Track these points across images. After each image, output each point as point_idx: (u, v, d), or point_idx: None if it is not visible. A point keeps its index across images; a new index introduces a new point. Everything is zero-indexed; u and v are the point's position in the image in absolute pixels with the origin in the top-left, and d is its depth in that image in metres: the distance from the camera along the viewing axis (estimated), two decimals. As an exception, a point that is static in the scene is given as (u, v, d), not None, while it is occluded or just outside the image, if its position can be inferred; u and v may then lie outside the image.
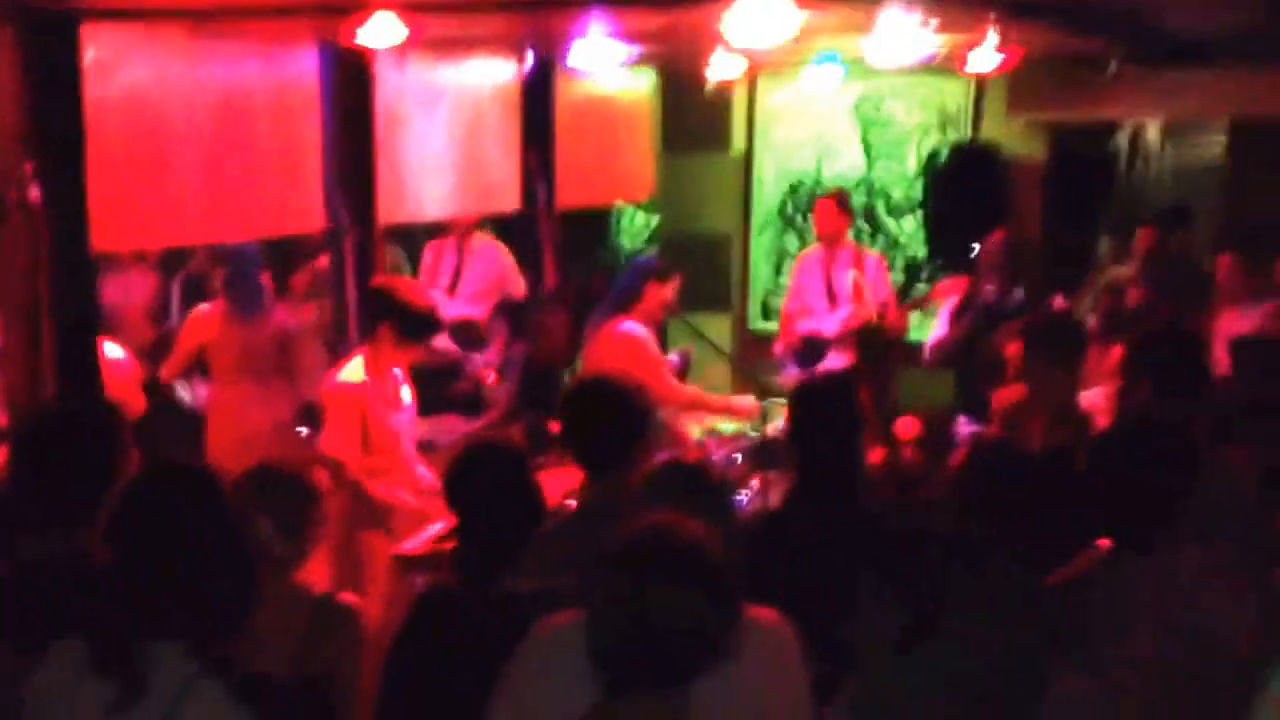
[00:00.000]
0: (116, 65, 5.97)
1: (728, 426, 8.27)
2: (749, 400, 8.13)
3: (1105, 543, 4.09)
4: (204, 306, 8.31)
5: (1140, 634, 3.80)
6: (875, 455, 5.96)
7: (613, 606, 2.66)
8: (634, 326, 7.68)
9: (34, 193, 5.58)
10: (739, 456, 7.48)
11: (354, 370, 6.60)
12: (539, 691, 3.32)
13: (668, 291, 7.88)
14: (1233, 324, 8.22)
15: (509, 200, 9.26)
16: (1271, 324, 7.30)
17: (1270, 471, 5.13)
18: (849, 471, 4.94)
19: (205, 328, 8.19)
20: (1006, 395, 6.11)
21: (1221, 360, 6.88)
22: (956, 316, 8.54)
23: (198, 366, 8.34)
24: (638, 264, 8.35)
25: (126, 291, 9.29)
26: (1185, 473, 4.01)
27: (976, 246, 9.94)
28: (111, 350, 6.73)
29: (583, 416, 4.97)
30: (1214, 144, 13.40)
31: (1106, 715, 3.42)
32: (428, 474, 6.72)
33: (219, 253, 8.36)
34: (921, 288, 10.93)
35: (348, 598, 4.62)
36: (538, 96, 9.36)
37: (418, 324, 6.66)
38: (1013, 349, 5.96)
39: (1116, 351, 5.64)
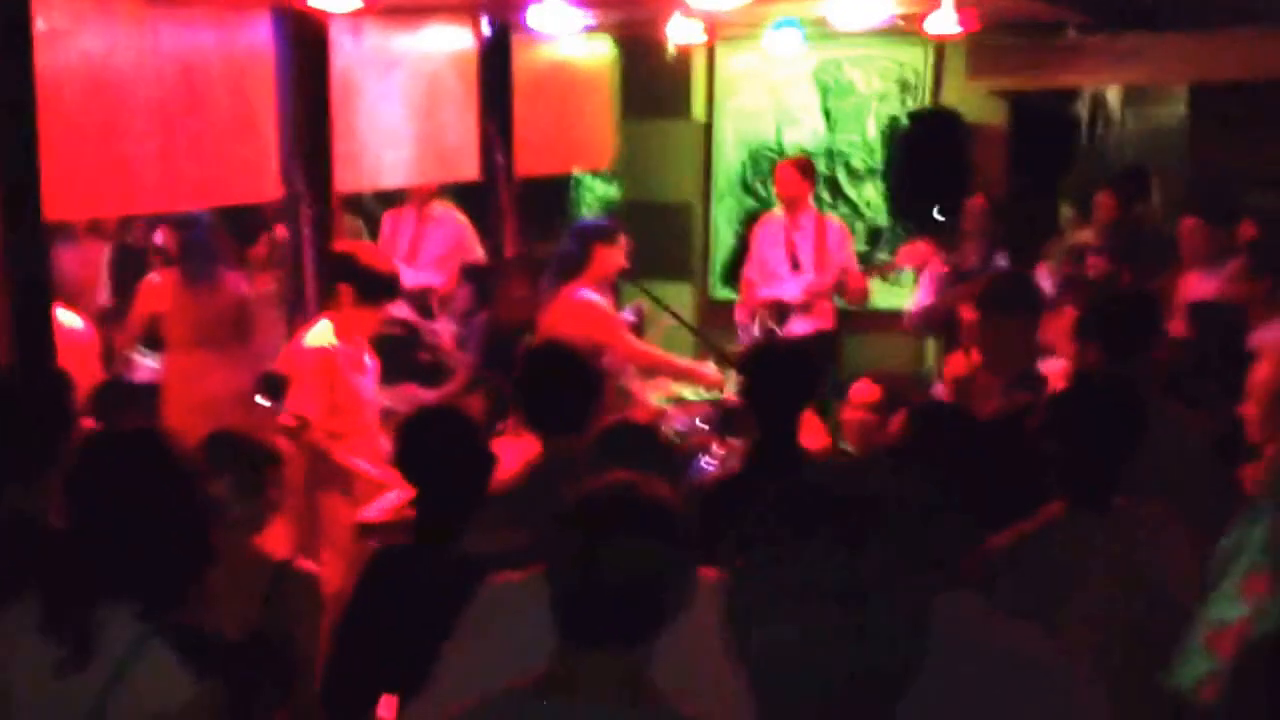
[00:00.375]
0: (69, 33, 5.93)
1: (690, 393, 8.27)
2: (713, 368, 8.13)
3: (1059, 503, 4.09)
4: (156, 276, 8.27)
5: (1093, 590, 3.82)
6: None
7: (572, 562, 2.64)
8: (587, 292, 7.66)
9: (-15, 161, 5.55)
10: (701, 422, 7.48)
11: (323, 334, 6.58)
12: (489, 646, 3.32)
13: (617, 253, 7.86)
14: (1195, 287, 8.25)
15: (467, 168, 9.23)
16: (1232, 286, 7.33)
17: (1224, 434, 5.16)
18: (796, 435, 4.98)
19: (158, 297, 8.16)
20: (957, 361, 6.11)
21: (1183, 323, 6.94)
22: (939, 283, 8.52)
23: (153, 335, 8.30)
24: (581, 228, 8.32)
25: (83, 261, 9.23)
26: (1135, 431, 4.03)
27: (939, 213, 9.98)
28: (68, 319, 6.70)
29: (536, 380, 5.01)
30: (1174, 109, 13.45)
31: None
32: (387, 443, 6.70)
33: (163, 222, 8.31)
34: (884, 255, 10.92)
35: (307, 563, 4.63)
36: (495, 63, 9.32)
37: (378, 287, 6.63)
38: (968, 313, 5.95)
39: (1070, 315, 5.65)
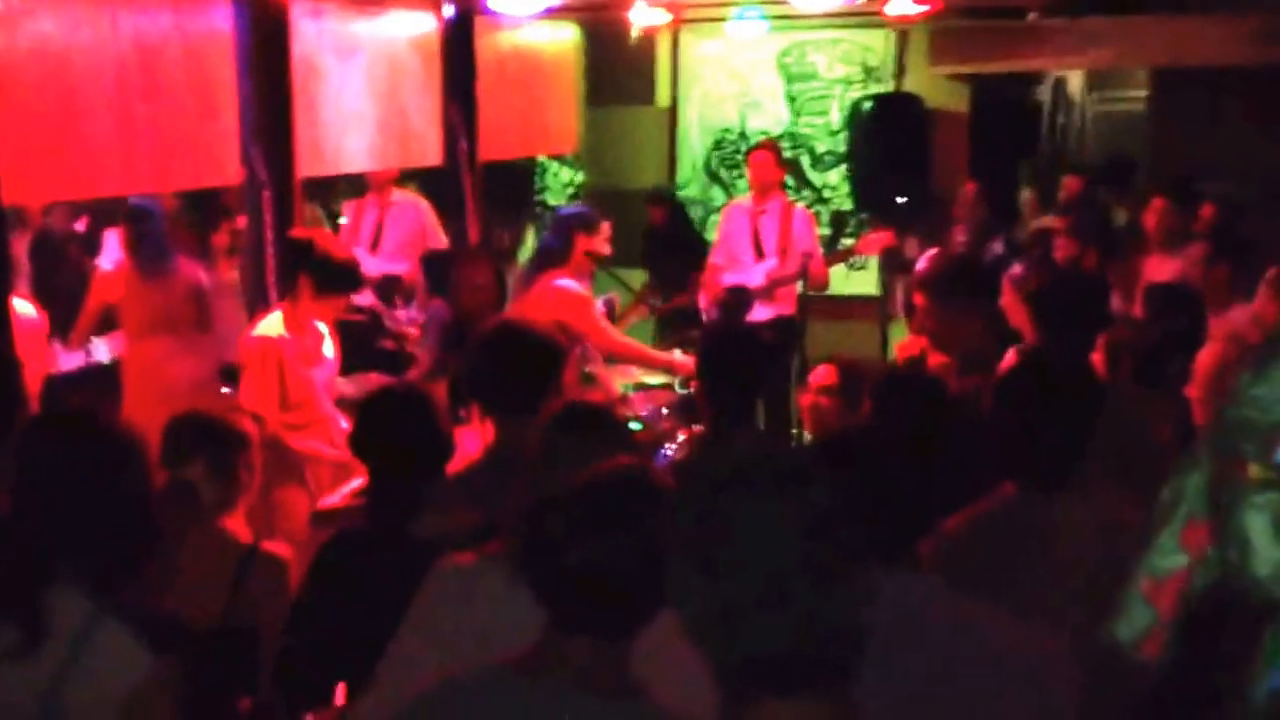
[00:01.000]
0: (25, 15, 5.88)
1: (654, 380, 8.26)
2: (682, 357, 8.12)
3: (1009, 485, 4.08)
4: (108, 265, 8.27)
5: (1043, 572, 3.83)
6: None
7: (570, 548, 2.60)
8: (567, 281, 7.63)
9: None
10: (665, 411, 7.48)
11: (272, 324, 6.52)
12: (442, 627, 3.31)
13: (598, 241, 7.84)
14: (1158, 269, 8.29)
15: (430, 154, 9.19)
16: (1194, 269, 7.36)
17: (1182, 416, 5.19)
18: (752, 420, 5.01)
19: (112, 287, 8.16)
20: (907, 346, 6.11)
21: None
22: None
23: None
24: (563, 217, 8.30)
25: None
26: (1083, 409, 4.03)
27: (901, 199, 10.00)
28: (21, 307, 6.65)
29: (492, 360, 4.97)
30: (1136, 93, 13.48)
31: None
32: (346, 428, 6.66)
33: (85, 211, 8.30)
34: (847, 240, 10.93)
35: (275, 547, 4.63)
36: (458, 48, 9.27)
37: (336, 276, 6.56)
38: (918, 298, 5.96)
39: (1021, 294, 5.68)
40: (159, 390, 7.69)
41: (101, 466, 3.25)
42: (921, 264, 6.28)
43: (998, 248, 8.49)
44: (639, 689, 2.66)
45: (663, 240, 11.26)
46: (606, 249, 8.08)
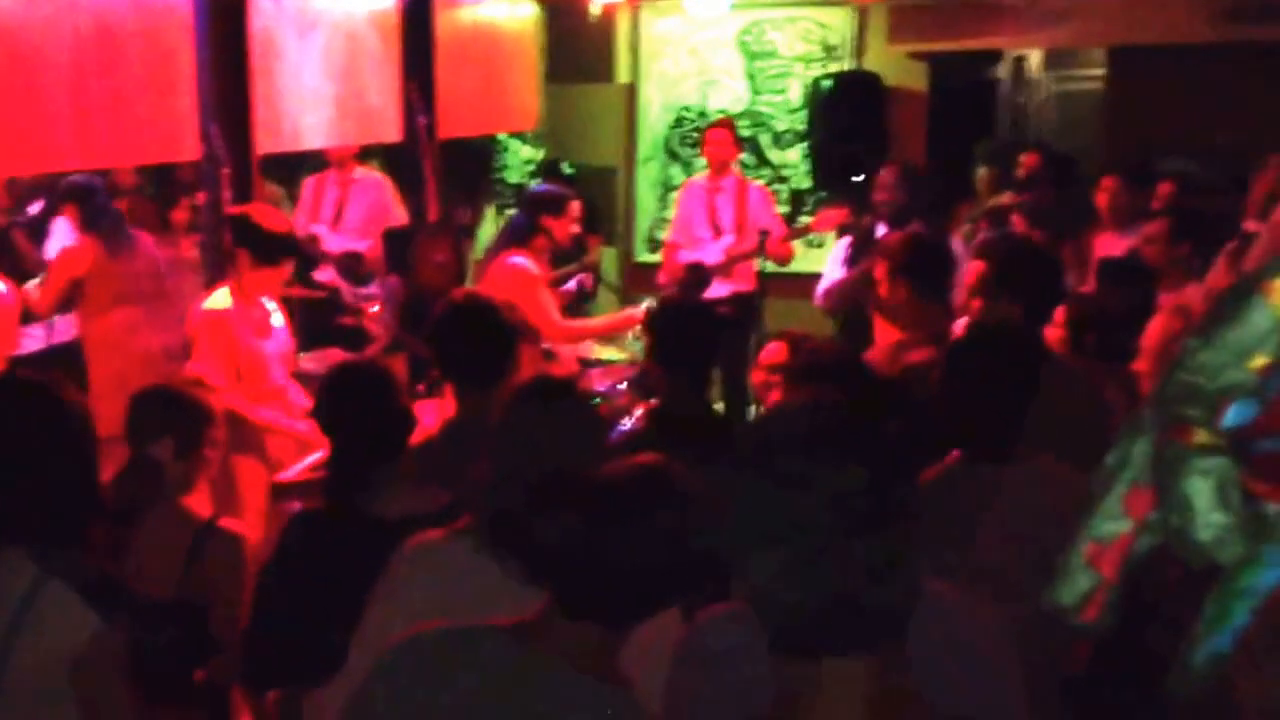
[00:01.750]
0: (-21, -11, 5.85)
1: (612, 356, 8.29)
2: (631, 310, 8.14)
3: (956, 453, 4.14)
4: (71, 243, 8.24)
5: (987, 540, 3.87)
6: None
7: (596, 543, 2.60)
8: (522, 260, 7.63)
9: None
10: (623, 386, 7.50)
11: (220, 298, 6.54)
12: (411, 607, 3.30)
13: (566, 223, 7.85)
14: (1110, 246, 8.35)
15: (390, 130, 9.17)
16: (1147, 247, 7.40)
17: (1130, 390, 5.24)
18: (703, 391, 5.11)
19: (78, 263, 8.13)
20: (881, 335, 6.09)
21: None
22: (851, 258, 8.42)
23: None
24: (530, 197, 8.31)
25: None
26: (1030, 380, 4.08)
27: (858, 177, 10.03)
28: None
29: (453, 333, 5.00)
30: (1096, 71, 13.53)
31: None
32: (304, 402, 6.67)
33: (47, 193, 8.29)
34: (806, 218, 10.96)
35: (231, 523, 4.64)
36: (417, 25, 9.25)
37: (271, 247, 6.58)
38: (879, 271, 5.97)
39: (975, 268, 5.70)
40: (126, 363, 7.74)
41: (45, 431, 3.27)
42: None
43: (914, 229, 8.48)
44: (626, 681, 2.66)
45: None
46: (575, 229, 8.09)
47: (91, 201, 8.20)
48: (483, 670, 2.61)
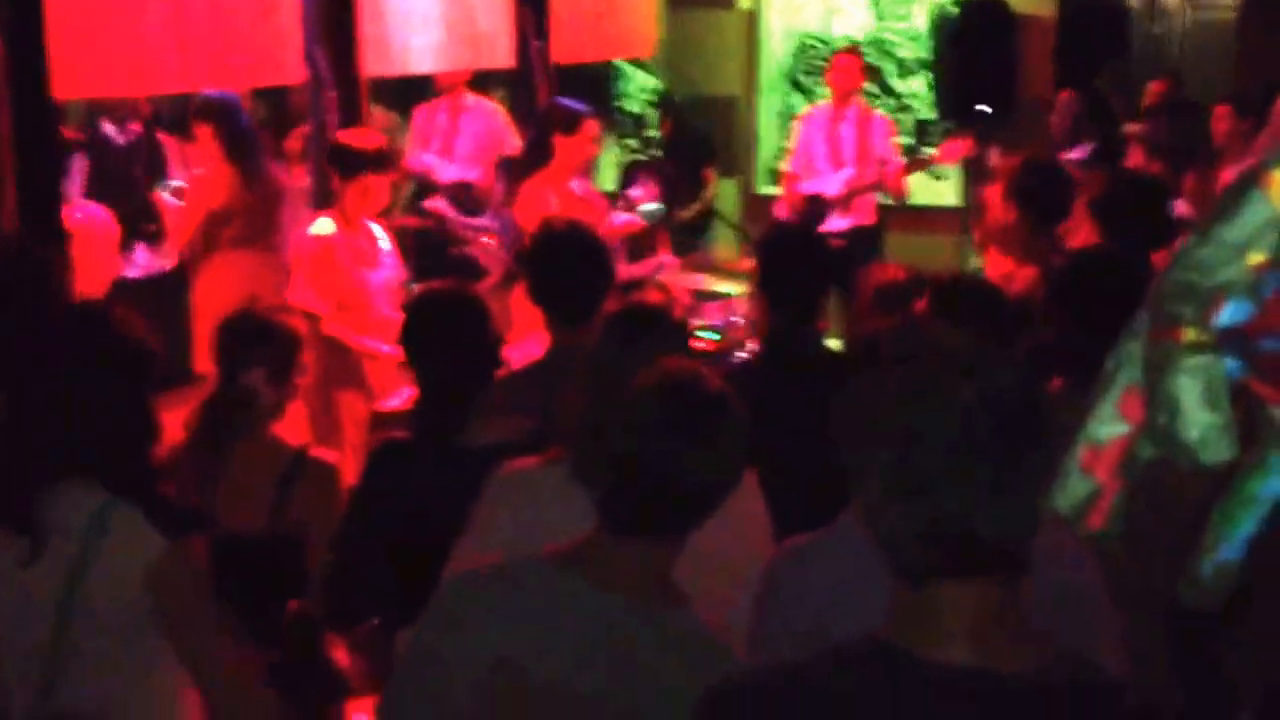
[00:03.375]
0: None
1: (724, 288, 8.13)
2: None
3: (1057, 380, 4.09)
4: (205, 171, 7.89)
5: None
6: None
7: (632, 453, 2.59)
8: (538, 183, 7.50)
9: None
10: (737, 319, 7.35)
11: (323, 225, 6.47)
12: (504, 535, 3.29)
13: (581, 143, 7.63)
14: (1229, 177, 8.08)
15: (501, 55, 8.98)
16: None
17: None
18: (815, 325, 4.93)
19: (212, 194, 7.59)
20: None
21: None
22: None
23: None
24: (544, 113, 8.12)
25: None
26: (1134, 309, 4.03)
27: (985, 107, 9.79)
28: (90, 209, 6.53)
29: (545, 263, 4.92)
30: (1229, 1, 13.17)
31: None
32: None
33: (199, 105, 7.97)
34: (930, 150, 10.72)
35: (325, 452, 4.59)
36: (530, -55, 9.06)
37: (350, 161, 6.53)
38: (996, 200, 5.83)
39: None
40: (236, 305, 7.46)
41: (102, 364, 3.23)
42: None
43: (1077, 154, 8.28)
44: (682, 599, 2.65)
45: (669, 151, 11.20)
46: (593, 152, 7.90)
47: (234, 123, 7.63)
48: (528, 602, 2.61)
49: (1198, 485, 2.82)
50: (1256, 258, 2.65)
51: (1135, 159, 8.57)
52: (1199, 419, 2.68)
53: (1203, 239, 2.71)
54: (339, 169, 6.55)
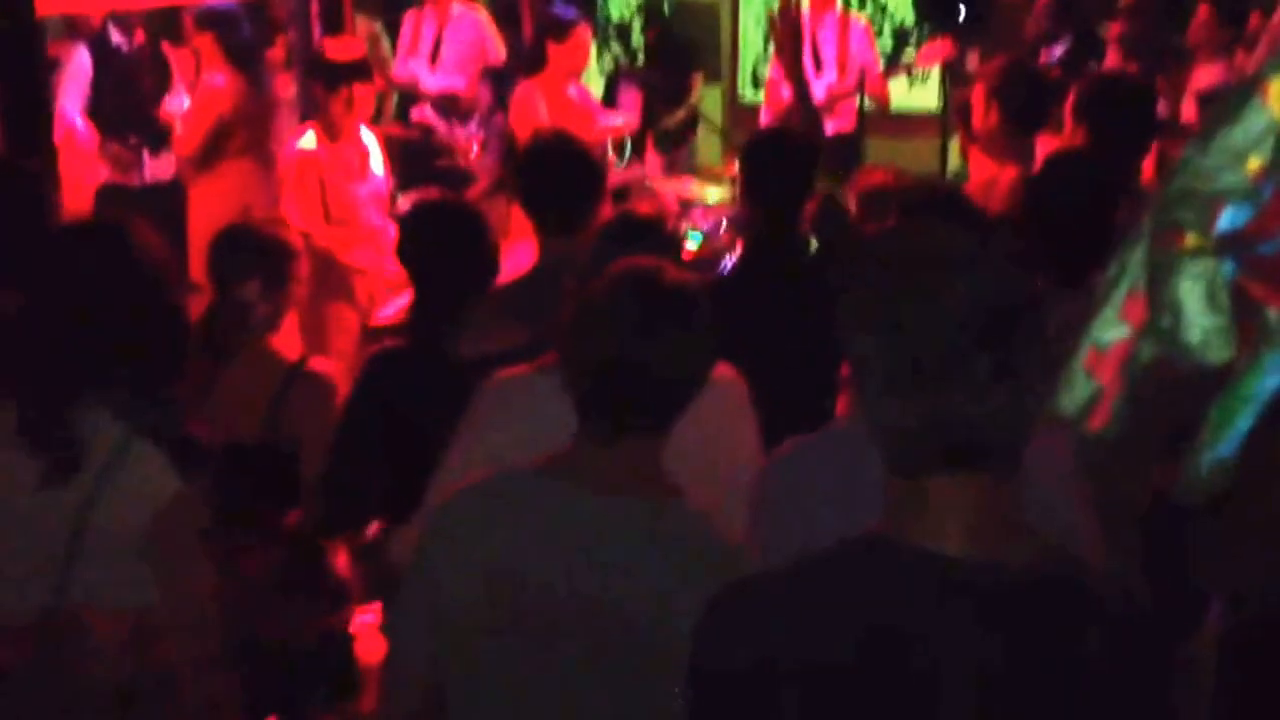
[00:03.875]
0: None
1: (712, 195, 8.16)
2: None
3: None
4: (212, 80, 7.60)
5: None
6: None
7: (596, 350, 2.62)
8: (530, 89, 7.53)
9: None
10: (724, 224, 7.39)
11: (308, 139, 6.48)
12: (495, 442, 3.29)
13: (571, 49, 7.66)
14: (1205, 78, 8.14)
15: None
16: (1238, 75, 7.20)
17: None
18: (798, 229, 4.94)
19: (219, 102, 7.42)
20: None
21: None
22: None
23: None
24: (540, 20, 8.14)
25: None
26: (1112, 208, 4.10)
27: (964, 9, 9.73)
28: (71, 120, 6.54)
29: (537, 173, 4.88)
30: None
31: None
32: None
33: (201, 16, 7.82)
34: (910, 53, 10.71)
35: (320, 363, 4.60)
36: None
37: (330, 72, 6.52)
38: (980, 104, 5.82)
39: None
40: (232, 217, 7.43)
41: (125, 283, 3.20)
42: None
43: (1058, 51, 8.28)
44: (674, 490, 2.67)
45: (653, 59, 11.15)
46: (584, 59, 7.92)
47: (236, 33, 7.44)
48: (520, 512, 2.64)
49: (1197, 385, 2.83)
50: (1255, 163, 2.68)
51: (1112, 60, 8.54)
52: (1201, 322, 2.73)
53: (1202, 146, 2.73)
54: (322, 81, 6.52)
